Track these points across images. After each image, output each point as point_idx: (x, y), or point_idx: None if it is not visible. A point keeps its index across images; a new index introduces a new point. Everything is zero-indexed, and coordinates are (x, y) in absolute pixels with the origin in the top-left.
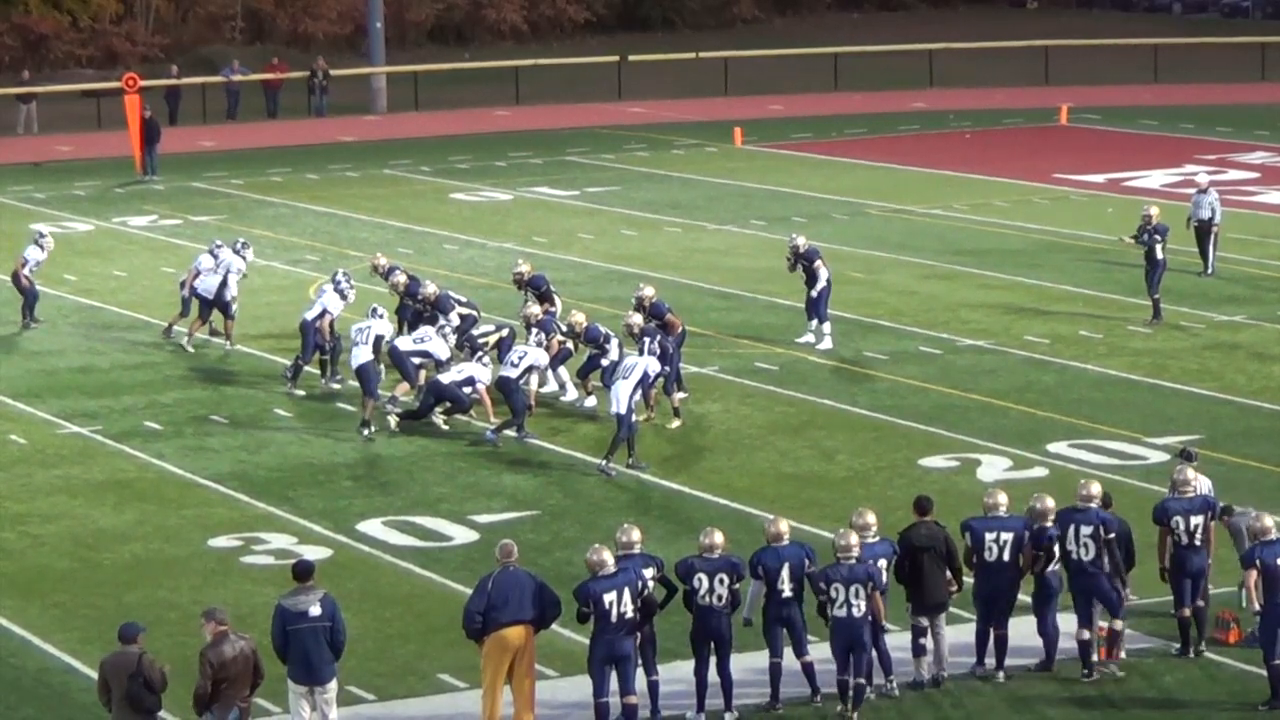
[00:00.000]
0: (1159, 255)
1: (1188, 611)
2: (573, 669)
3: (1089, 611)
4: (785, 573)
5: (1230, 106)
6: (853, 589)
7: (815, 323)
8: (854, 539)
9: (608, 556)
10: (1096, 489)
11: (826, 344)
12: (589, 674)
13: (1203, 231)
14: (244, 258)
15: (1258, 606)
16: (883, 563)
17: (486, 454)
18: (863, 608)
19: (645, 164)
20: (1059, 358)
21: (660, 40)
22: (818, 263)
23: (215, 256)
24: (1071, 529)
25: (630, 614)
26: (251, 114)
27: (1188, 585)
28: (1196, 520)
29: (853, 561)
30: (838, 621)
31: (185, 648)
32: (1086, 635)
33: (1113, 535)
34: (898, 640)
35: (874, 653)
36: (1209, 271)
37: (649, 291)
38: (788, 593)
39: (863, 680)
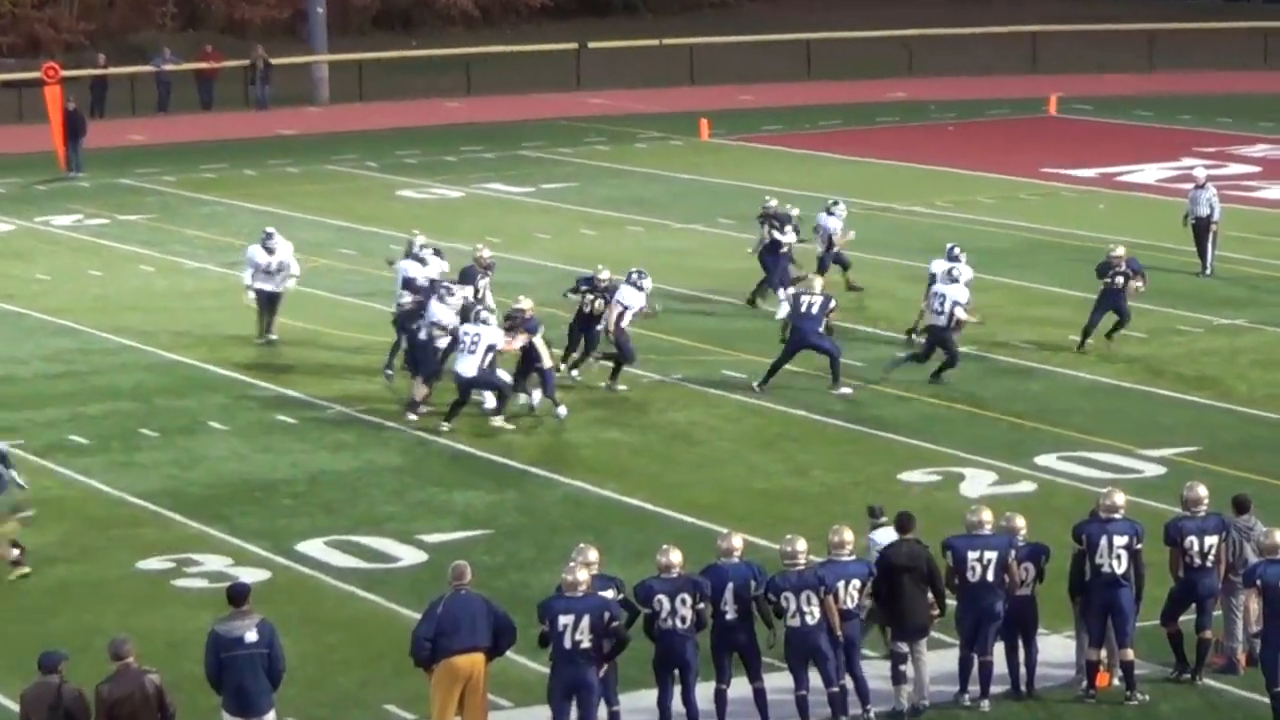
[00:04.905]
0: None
1: (1210, 631)
2: (529, 699)
3: (1104, 629)
4: (729, 593)
5: (1230, 96)
6: (804, 596)
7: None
8: (800, 544)
9: (581, 577)
10: (1121, 498)
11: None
12: (549, 704)
13: (1201, 229)
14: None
15: (1255, 629)
16: (856, 583)
17: (435, 470)
18: (816, 615)
19: (605, 158)
20: (1047, 364)
21: (621, 26)
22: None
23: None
24: (1104, 540)
25: (586, 644)
26: (184, 106)
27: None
28: (1210, 541)
29: (800, 568)
30: (792, 632)
31: None
32: (1096, 656)
33: (1141, 546)
34: (876, 669)
35: (850, 680)
36: (1207, 272)
37: (605, 275)
38: (730, 614)
39: (836, 689)
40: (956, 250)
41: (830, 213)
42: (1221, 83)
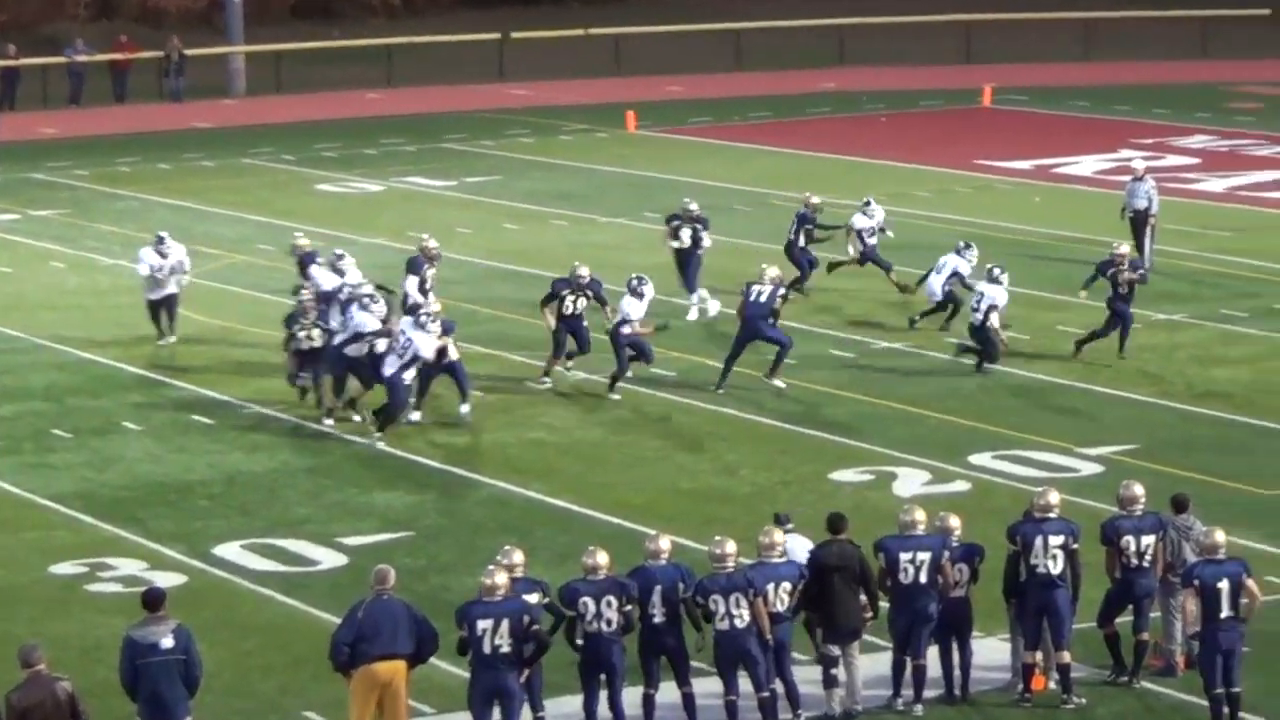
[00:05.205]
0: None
1: (1148, 632)
2: (451, 705)
3: (1040, 631)
4: (656, 596)
5: (1168, 86)
6: (733, 599)
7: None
8: (729, 546)
9: (499, 581)
10: (1055, 497)
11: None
12: (470, 710)
13: (1138, 222)
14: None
15: (1192, 630)
16: (786, 585)
17: (354, 471)
18: (745, 618)
19: (529, 151)
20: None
21: (546, 15)
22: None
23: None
24: (1039, 540)
25: (506, 649)
26: (97, 98)
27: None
28: (1147, 540)
29: (729, 570)
30: (720, 635)
31: None
32: (1031, 659)
33: (1077, 546)
34: (807, 674)
35: (780, 684)
36: (1145, 266)
37: (584, 271)
38: (659, 618)
39: (766, 694)
40: (965, 245)
41: (864, 213)
42: (1159, 73)
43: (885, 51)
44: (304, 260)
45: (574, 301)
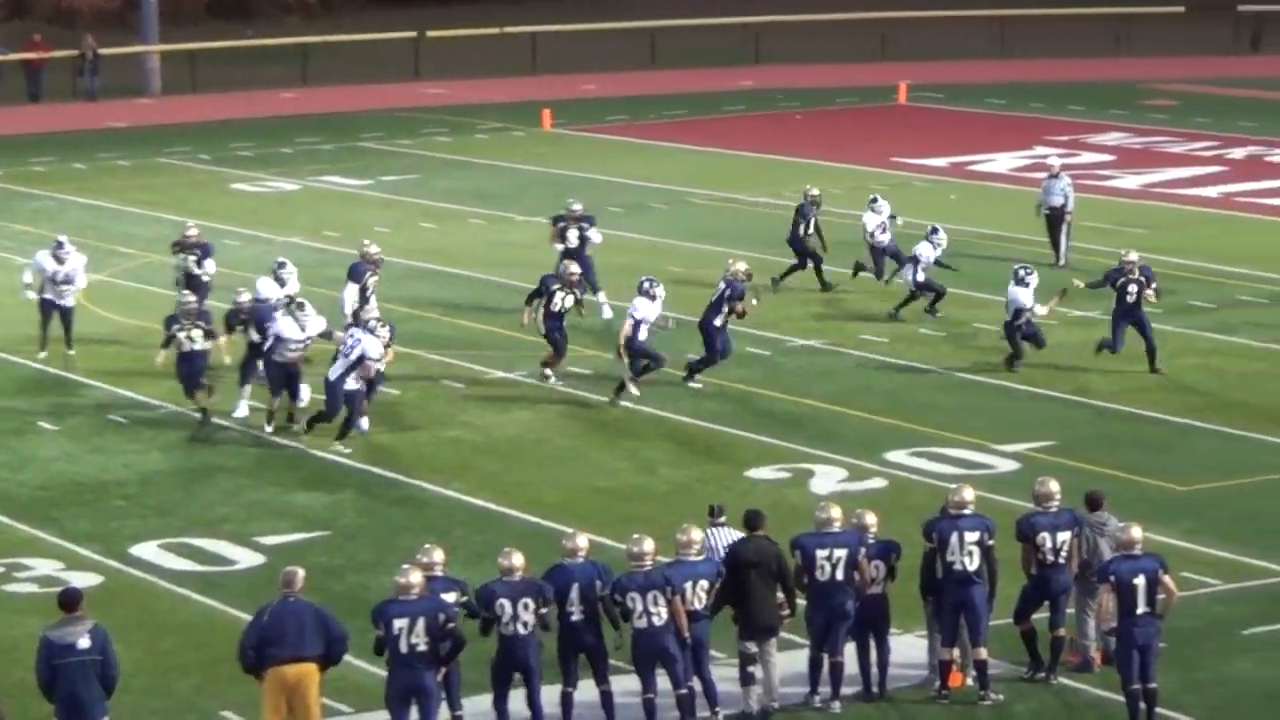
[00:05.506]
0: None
1: (1065, 631)
2: (368, 704)
3: (957, 628)
4: (574, 594)
5: (1083, 83)
6: (650, 596)
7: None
8: (648, 545)
9: (414, 579)
10: (970, 494)
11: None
12: (387, 709)
13: (1054, 219)
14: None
15: (1109, 625)
16: (704, 584)
17: (272, 471)
18: (663, 615)
19: (446, 150)
20: (899, 358)
21: (461, 14)
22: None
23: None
24: (955, 537)
25: (423, 647)
26: (11, 97)
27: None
28: (1063, 537)
29: (647, 568)
30: (639, 634)
31: None
32: (949, 655)
33: (992, 542)
34: (724, 671)
35: (698, 682)
36: (1061, 263)
37: (575, 269)
38: (576, 615)
39: (684, 692)
40: (933, 230)
41: (872, 209)
42: (1074, 70)
43: (801, 49)
44: (203, 250)
45: (564, 299)
